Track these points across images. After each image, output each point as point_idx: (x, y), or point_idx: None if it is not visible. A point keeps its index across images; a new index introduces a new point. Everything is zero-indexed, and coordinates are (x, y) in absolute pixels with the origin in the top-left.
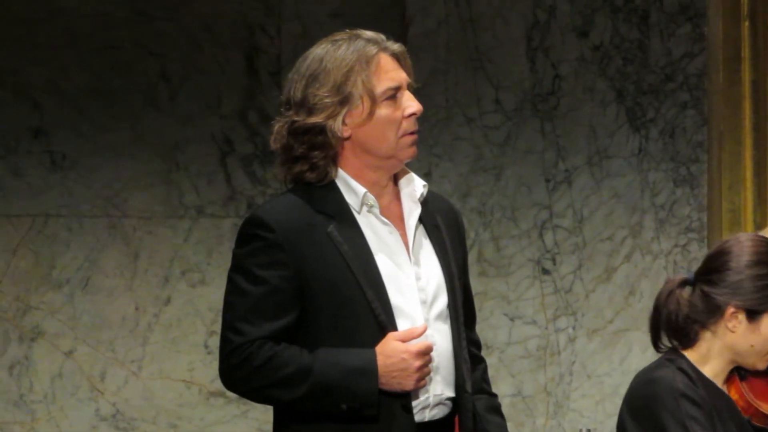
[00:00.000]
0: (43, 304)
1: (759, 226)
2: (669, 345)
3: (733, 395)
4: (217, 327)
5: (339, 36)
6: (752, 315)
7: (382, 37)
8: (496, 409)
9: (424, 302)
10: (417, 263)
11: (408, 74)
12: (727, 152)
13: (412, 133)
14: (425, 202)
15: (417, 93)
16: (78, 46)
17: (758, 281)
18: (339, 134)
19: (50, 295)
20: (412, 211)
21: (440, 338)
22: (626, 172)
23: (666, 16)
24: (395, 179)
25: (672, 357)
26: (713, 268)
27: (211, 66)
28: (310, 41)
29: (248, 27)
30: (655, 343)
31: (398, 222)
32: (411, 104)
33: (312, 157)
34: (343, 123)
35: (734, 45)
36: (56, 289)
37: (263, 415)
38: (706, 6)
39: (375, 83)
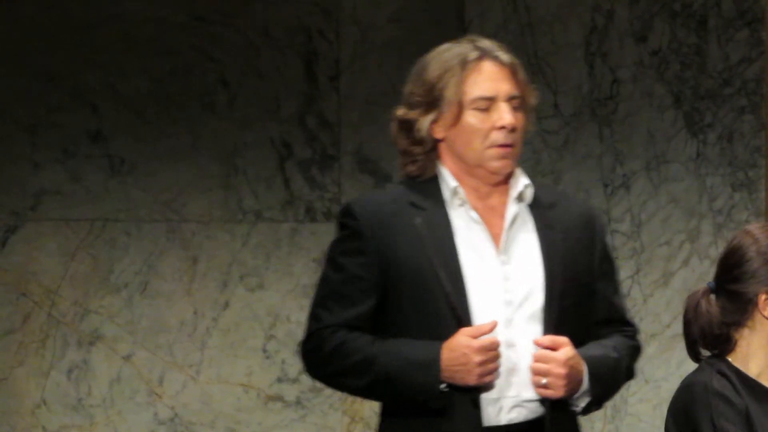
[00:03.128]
0: (101, 308)
1: None
2: (709, 353)
3: None
4: (275, 331)
5: (460, 40)
6: None
7: (496, 45)
8: (620, 332)
9: (509, 302)
10: (508, 262)
11: (517, 87)
12: None
13: (502, 146)
14: (539, 202)
15: None
16: (136, 50)
17: None
18: (426, 134)
19: (109, 300)
20: (510, 209)
21: (524, 340)
22: (684, 176)
23: (724, 21)
24: (507, 178)
25: (712, 361)
26: (731, 266)
27: (270, 70)
28: (369, 46)
29: (306, 31)
30: (696, 358)
31: (498, 220)
32: (504, 117)
33: (411, 151)
34: (435, 123)
35: None
36: (115, 294)
37: (321, 419)
38: (764, 11)
39: (466, 89)
